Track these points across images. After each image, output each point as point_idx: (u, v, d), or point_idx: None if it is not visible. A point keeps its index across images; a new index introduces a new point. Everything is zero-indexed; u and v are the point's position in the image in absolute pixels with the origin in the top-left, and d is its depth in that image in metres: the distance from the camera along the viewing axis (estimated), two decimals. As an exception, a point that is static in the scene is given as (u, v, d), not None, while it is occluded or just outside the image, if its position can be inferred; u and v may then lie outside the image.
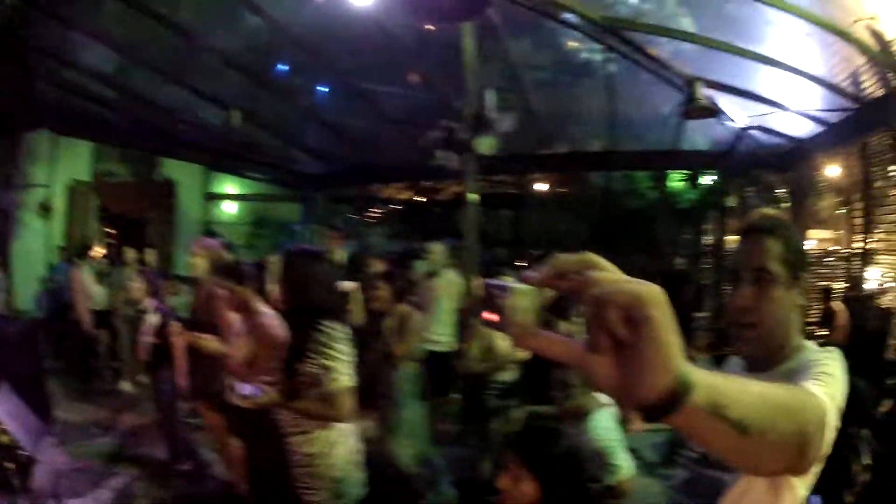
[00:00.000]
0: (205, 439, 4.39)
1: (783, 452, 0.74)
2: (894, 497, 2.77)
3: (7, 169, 6.48)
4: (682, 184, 11.62)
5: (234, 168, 10.94)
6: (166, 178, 11.13)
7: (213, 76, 6.23)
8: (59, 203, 9.17)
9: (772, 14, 4.85)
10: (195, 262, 4.14)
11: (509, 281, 0.68)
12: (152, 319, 4.41)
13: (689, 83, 5.24)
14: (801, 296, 1.24)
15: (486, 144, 4.53)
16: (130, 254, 7.02)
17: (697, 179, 11.34)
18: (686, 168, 10.57)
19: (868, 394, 4.28)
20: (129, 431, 5.20)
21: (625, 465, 2.80)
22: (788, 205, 8.97)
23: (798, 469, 0.81)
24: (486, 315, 0.68)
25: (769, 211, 1.33)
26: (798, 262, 1.23)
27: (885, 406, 4.44)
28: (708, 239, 12.30)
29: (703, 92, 5.27)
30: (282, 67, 6.49)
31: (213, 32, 5.60)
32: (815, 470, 1.03)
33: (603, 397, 2.90)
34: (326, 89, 7.14)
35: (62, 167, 9.17)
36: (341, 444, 2.44)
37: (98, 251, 7.79)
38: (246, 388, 2.69)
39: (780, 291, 1.20)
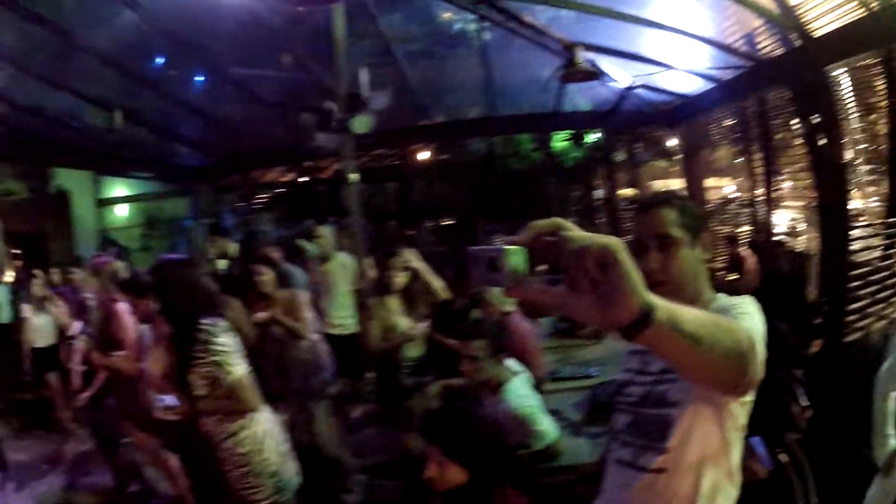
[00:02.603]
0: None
1: (728, 364, 0.94)
2: (833, 431, 2.94)
3: None
4: (566, 143, 11.51)
5: (120, 170, 10.40)
6: (59, 189, 10.54)
7: (95, 77, 5.82)
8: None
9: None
10: (91, 281, 4.00)
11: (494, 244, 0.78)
12: (79, 345, 4.17)
13: (568, 48, 5.06)
14: (704, 252, 1.44)
15: (361, 124, 4.37)
16: (39, 274, 6.38)
17: (582, 138, 11.31)
18: (569, 128, 10.44)
19: (791, 336, 4.37)
20: (74, 463, 5.00)
21: (549, 428, 2.78)
22: (680, 157, 9.13)
23: (741, 384, 1.02)
24: (481, 277, 0.78)
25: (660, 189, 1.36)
26: (695, 223, 1.42)
27: (816, 345, 4.50)
28: (599, 195, 12.48)
29: (583, 56, 5.10)
30: (158, 61, 6.16)
31: (90, 31, 5.18)
32: (750, 399, 1.25)
33: (515, 365, 2.92)
34: (202, 79, 6.83)
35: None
36: (269, 438, 2.48)
37: (9, 275, 7.33)
38: (166, 400, 2.68)
39: (684, 251, 1.39)
